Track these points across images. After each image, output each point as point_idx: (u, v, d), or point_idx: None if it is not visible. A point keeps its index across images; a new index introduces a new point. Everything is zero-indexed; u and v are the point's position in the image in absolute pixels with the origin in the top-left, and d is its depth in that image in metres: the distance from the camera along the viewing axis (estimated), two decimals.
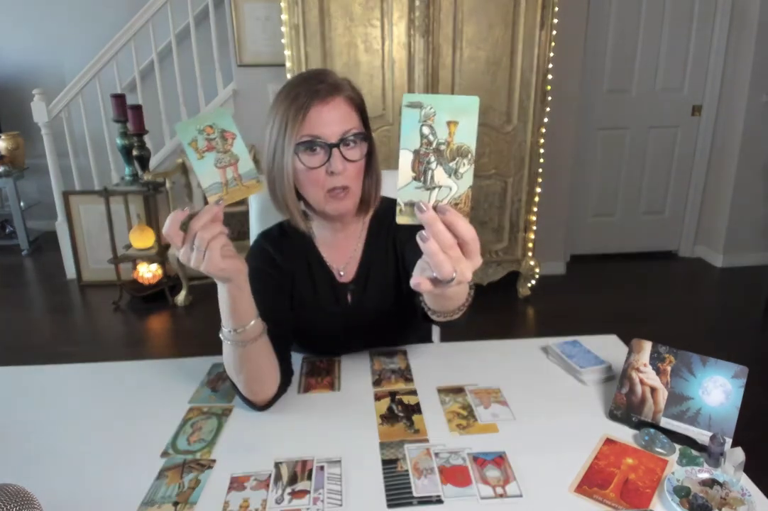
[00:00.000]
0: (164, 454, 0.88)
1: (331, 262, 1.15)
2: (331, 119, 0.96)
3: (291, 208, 1.04)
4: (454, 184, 0.65)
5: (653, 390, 0.92)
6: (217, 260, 0.76)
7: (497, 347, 1.18)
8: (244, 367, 0.91)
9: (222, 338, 0.89)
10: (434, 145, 0.62)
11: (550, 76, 2.83)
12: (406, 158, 0.61)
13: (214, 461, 0.86)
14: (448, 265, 0.59)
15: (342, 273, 1.15)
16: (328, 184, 0.99)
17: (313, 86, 0.96)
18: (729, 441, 0.84)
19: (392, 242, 1.15)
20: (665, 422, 0.89)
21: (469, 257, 0.62)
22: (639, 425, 0.91)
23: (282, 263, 1.10)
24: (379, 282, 1.15)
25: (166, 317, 3.17)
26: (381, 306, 1.15)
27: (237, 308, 0.85)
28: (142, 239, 3.27)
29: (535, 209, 3.06)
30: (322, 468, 0.83)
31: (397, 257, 1.15)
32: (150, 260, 3.28)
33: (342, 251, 1.15)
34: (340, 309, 1.15)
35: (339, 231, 1.13)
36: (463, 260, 0.61)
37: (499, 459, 0.84)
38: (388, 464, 0.84)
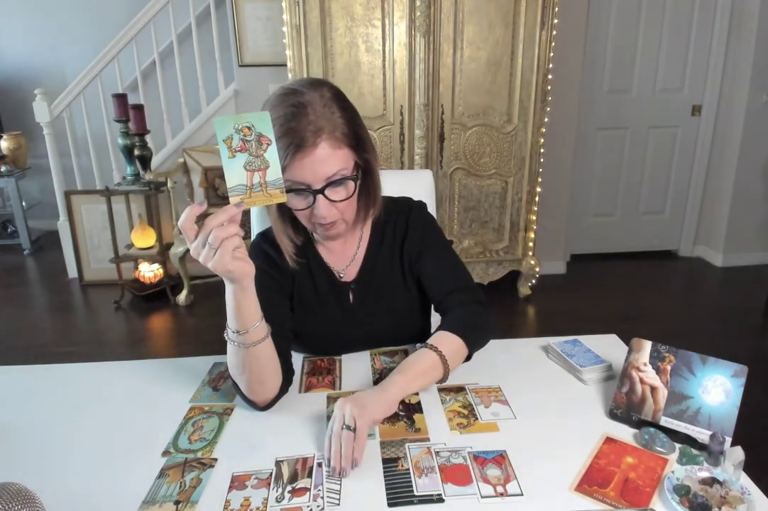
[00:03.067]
0: (165, 453, 0.88)
1: (331, 264, 1.15)
2: (315, 167, 0.92)
3: (278, 233, 1.06)
4: None
5: (653, 389, 0.92)
6: (226, 260, 0.77)
7: (497, 346, 1.18)
8: (247, 368, 0.92)
9: (226, 338, 0.90)
10: None
11: (550, 76, 2.83)
12: None
13: (215, 459, 0.86)
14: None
15: (342, 275, 1.16)
16: (317, 221, 0.99)
17: (288, 134, 0.89)
18: (729, 440, 0.84)
19: (399, 246, 1.17)
20: (665, 421, 0.90)
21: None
22: (639, 424, 0.91)
23: (281, 263, 1.11)
24: (382, 283, 1.16)
25: (168, 316, 3.18)
26: (384, 306, 1.16)
27: (241, 309, 0.86)
28: (144, 239, 3.27)
29: (536, 209, 3.07)
30: (321, 465, 0.83)
31: (402, 261, 1.17)
32: (151, 259, 3.28)
33: (341, 255, 1.16)
34: (341, 308, 1.15)
35: (333, 240, 1.14)
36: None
37: (500, 458, 0.84)
38: (389, 462, 0.84)
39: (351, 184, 0.98)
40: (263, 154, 0.77)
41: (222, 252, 0.76)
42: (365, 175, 1.04)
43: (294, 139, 0.90)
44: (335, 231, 1.05)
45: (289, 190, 0.94)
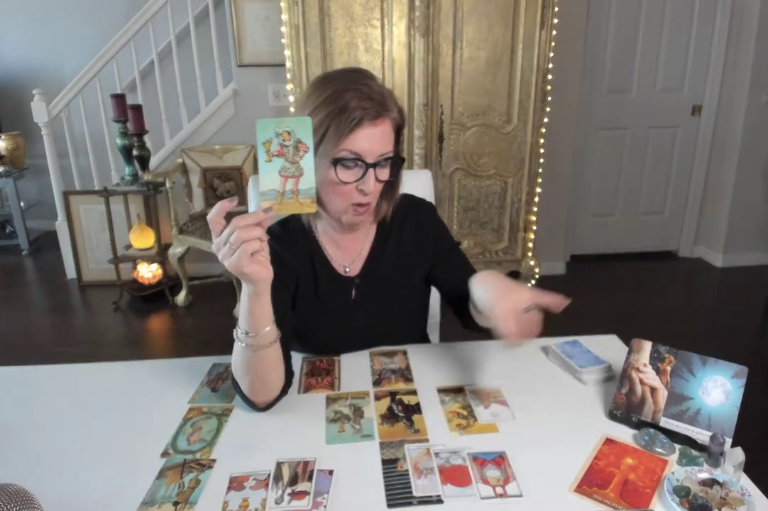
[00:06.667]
0: (164, 454, 0.88)
1: (337, 258, 1.15)
2: (376, 141, 0.96)
3: None
4: None
5: (653, 390, 0.92)
6: (243, 262, 0.77)
7: (497, 347, 1.18)
8: (252, 369, 0.91)
9: (235, 337, 0.90)
10: None
11: (550, 76, 2.83)
12: None
13: (214, 461, 0.86)
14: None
15: (347, 269, 1.15)
16: (355, 199, 1.00)
17: (363, 100, 0.93)
18: (729, 441, 0.84)
19: (410, 246, 1.17)
20: (665, 422, 0.89)
21: None
22: (639, 424, 0.91)
23: (286, 260, 1.10)
24: (385, 279, 1.16)
25: (166, 316, 3.17)
26: (386, 302, 1.16)
27: (254, 312, 0.86)
28: (142, 239, 3.27)
29: (535, 209, 3.06)
30: (322, 470, 0.83)
31: (412, 261, 1.18)
32: (150, 259, 3.28)
33: (348, 250, 1.16)
34: (342, 303, 1.15)
35: (347, 233, 1.14)
36: None
37: (499, 459, 0.84)
38: (388, 463, 0.84)
39: (391, 168, 1.02)
40: (299, 162, 0.76)
41: (240, 254, 0.76)
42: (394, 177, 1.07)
43: (362, 105, 0.93)
44: (366, 216, 1.06)
45: (340, 160, 0.96)
